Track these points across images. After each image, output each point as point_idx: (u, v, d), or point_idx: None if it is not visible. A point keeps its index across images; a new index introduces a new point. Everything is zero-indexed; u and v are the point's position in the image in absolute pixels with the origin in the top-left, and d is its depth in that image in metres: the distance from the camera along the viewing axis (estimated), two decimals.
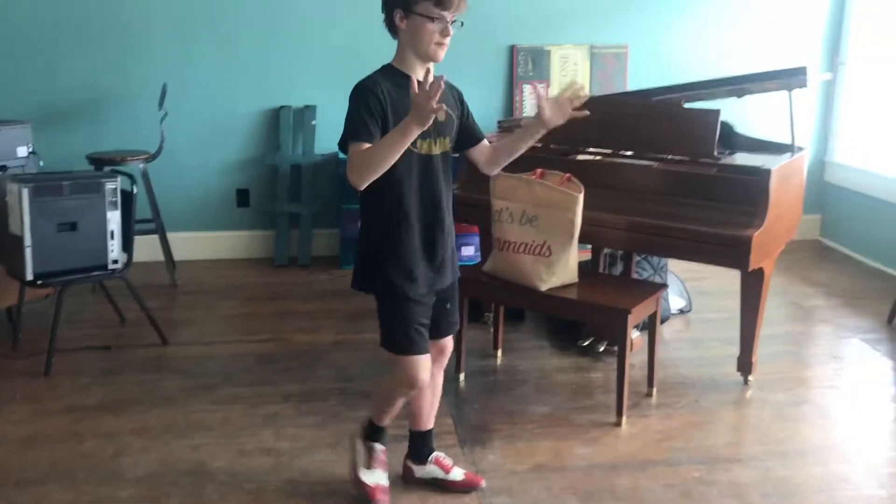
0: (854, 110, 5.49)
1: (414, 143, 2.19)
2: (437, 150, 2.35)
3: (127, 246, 3.75)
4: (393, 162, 2.14)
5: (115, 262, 3.68)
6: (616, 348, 3.72)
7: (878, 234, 5.12)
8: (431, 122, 2.07)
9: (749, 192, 3.15)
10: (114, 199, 3.63)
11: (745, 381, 3.49)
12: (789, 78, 3.37)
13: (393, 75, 2.29)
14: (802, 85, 3.36)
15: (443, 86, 2.00)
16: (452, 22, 2.24)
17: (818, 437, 3.07)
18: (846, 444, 3.04)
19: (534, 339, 4.01)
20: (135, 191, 3.74)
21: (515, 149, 2.47)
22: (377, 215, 2.36)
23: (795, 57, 5.45)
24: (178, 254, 5.04)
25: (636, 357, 3.55)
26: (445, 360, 2.67)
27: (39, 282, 3.53)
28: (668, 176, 3.41)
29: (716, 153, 3.38)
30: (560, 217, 3.12)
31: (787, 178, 3.32)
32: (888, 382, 3.58)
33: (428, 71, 2.22)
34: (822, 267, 5.22)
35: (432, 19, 2.20)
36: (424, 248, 2.38)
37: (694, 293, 4.45)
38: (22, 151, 4.10)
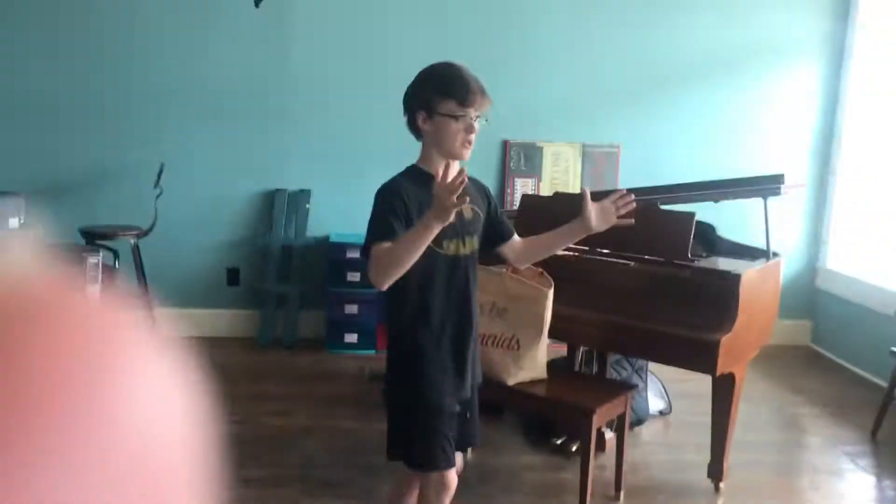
0: (846, 218, 5.52)
1: (440, 244, 2.15)
2: (464, 251, 2.27)
3: None
4: (414, 260, 2.05)
5: None
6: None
7: (867, 343, 5.07)
8: (453, 217, 2.01)
9: (719, 296, 3.15)
10: (94, 273, 3.68)
11: (717, 489, 3.40)
12: (763, 185, 3.41)
13: (418, 176, 2.25)
14: (776, 193, 3.39)
15: (466, 180, 1.96)
16: (476, 118, 2.22)
17: None
18: None
19: (510, 434, 3.95)
20: (117, 266, 3.78)
21: (553, 247, 2.47)
22: (402, 321, 2.27)
23: (786, 163, 5.53)
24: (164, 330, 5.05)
25: (609, 458, 3.49)
26: (460, 472, 2.49)
27: None
28: (643, 276, 3.43)
29: (690, 256, 3.39)
30: (530, 311, 3.13)
31: (759, 283, 3.32)
32: (865, 500, 3.48)
33: (447, 164, 2.13)
34: (810, 374, 5.16)
35: (456, 118, 2.18)
36: (452, 356, 2.28)
37: (676, 395, 4.39)
38: (14, 223, 4.18)
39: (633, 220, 2.39)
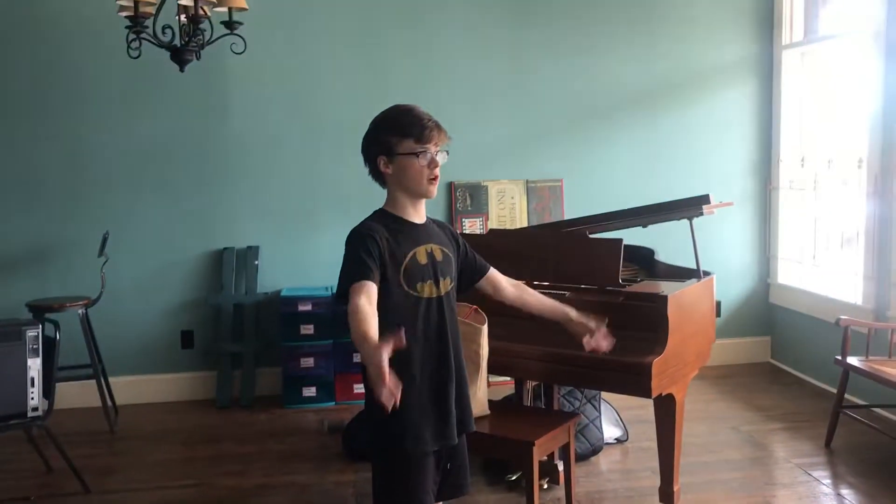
0: (791, 232, 5.60)
1: (413, 287, 2.18)
2: (437, 293, 2.27)
3: (48, 392, 3.75)
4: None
5: (35, 409, 3.67)
6: (545, 483, 3.68)
7: (820, 355, 5.11)
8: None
9: (650, 319, 3.18)
10: (35, 346, 3.66)
11: None
12: (684, 208, 3.47)
13: (387, 219, 2.27)
14: (698, 213, 3.45)
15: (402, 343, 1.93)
16: (437, 152, 2.25)
17: None
18: None
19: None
20: (58, 337, 3.77)
21: (537, 312, 2.62)
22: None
23: (728, 182, 5.64)
24: (122, 398, 5.04)
25: (563, 490, 3.47)
26: None
27: None
28: (578, 305, 3.42)
29: (622, 281, 3.44)
30: (466, 349, 3.12)
31: (690, 303, 3.36)
32: None
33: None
34: (768, 390, 5.18)
35: (416, 155, 2.21)
36: (432, 400, 2.24)
37: (634, 421, 4.41)
38: None
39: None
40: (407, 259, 2.20)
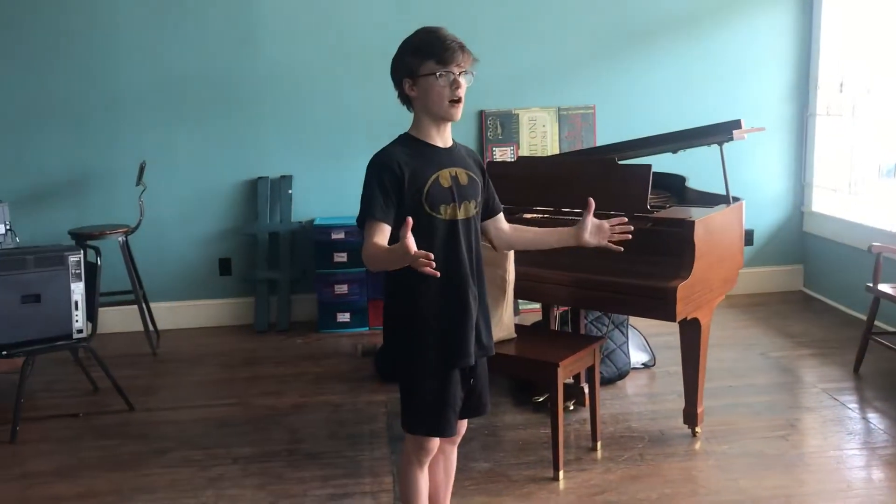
0: (827, 160, 5.51)
1: (437, 210, 2.20)
2: (461, 215, 2.27)
3: (92, 315, 3.90)
4: (394, 268, 2.12)
5: (80, 331, 3.83)
6: (570, 404, 3.77)
7: (856, 283, 5.07)
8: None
9: (676, 244, 3.20)
10: (77, 271, 3.80)
11: (693, 434, 3.47)
12: (714, 133, 3.44)
13: (411, 143, 2.28)
14: (728, 139, 3.42)
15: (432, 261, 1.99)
16: (461, 73, 2.22)
17: (753, 488, 3.05)
18: (779, 494, 3.00)
19: (493, 396, 3.96)
20: (99, 262, 3.90)
21: (538, 244, 2.52)
22: (397, 283, 2.28)
23: (765, 108, 5.54)
24: (164, 323, 5.21)
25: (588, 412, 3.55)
26: (459, 439, 2.55)
27: (4, 353, 3.68)
28: None
29: (653, 206, 3.44)
30: (491, 273, 3.17)
31: (718, 229, 3.36)
32: (841, 431, 3.53)
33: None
34: (799, 317, 5.18)
35: (437, 76, 2.20)
36: (448, 318, 2.27)
37: (661, 347, 4.45)
38: (0, 229, 4.31)
39: (622, 248, 2.44)
40: (430, 182, 2.23)
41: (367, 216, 2.20)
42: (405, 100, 2.31)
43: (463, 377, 2.35)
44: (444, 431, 2.34)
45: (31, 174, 5.11)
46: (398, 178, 2.20)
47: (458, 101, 2.24)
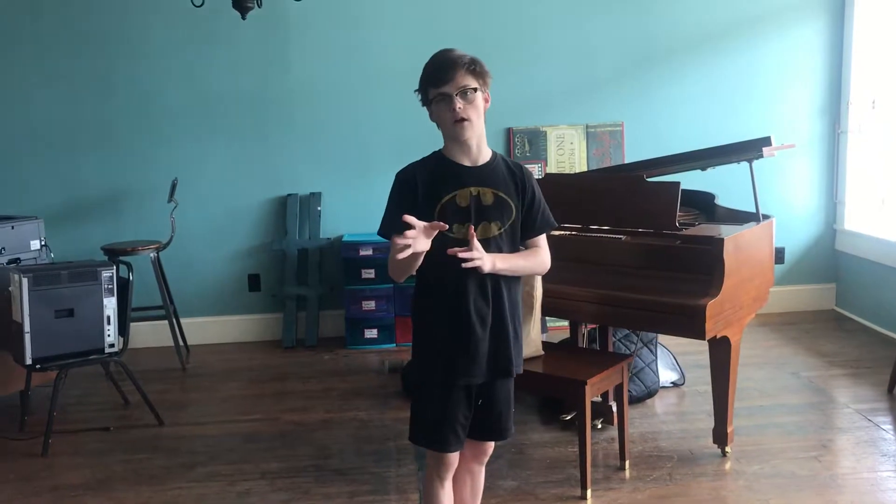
0: (860, 177, 5.45)
1: (450, 228, 2.19)
2: (478, 236, 2.21)
3: (123, 330, 3.96)
4: (411, 268, 2.19)
5: (112, 345, 3.88)
6: (599, 423, 3.74)
7: (890, 302, 5.01)
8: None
9: (706, 262, 3.18)
10: (110, 286, 3.85)
11: (723, 453, 3.43)
12: (744, 150, 3.42)
13: (435, 161, 2.31)
14: (758, 156, 3.40)
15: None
16: (459, 93, 2.20)
17: None
18: None
19: (521, 414, 4.01)
20: (131, 278, 3.96)
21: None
22: (417, 299, 2.37)
23: (795, 125, 5.49)
24: (192, 338, 5.27)
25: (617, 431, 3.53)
26: (485, 458, 2.54)
27: (38, 366, 3.74)
28: (635, 249, 3.46)
29: (678, 224, 3.42)
30: (521, 289, 3.18)
31: (747, 246, 3.34)
32: (875, 452, 3.47)
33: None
34: (831, 337, 5.11)
35: (437, 99, 2.22)
36: (451, 337, 2.27)
37: (690, 366, 4.41)
38: (35, 245, 4.40)
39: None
40: (444, 200, 2.24)
41: (386, 231, 2.27)
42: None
43: (469, 393, 2.34)
44: (443, 447, 2.36)
45: (66, 191, 5.21)
46: (413, 193, 2.25)
47: (461, 120, 2.21)
